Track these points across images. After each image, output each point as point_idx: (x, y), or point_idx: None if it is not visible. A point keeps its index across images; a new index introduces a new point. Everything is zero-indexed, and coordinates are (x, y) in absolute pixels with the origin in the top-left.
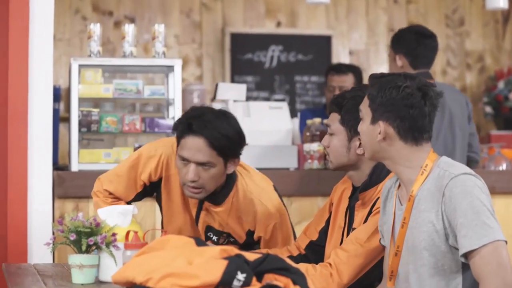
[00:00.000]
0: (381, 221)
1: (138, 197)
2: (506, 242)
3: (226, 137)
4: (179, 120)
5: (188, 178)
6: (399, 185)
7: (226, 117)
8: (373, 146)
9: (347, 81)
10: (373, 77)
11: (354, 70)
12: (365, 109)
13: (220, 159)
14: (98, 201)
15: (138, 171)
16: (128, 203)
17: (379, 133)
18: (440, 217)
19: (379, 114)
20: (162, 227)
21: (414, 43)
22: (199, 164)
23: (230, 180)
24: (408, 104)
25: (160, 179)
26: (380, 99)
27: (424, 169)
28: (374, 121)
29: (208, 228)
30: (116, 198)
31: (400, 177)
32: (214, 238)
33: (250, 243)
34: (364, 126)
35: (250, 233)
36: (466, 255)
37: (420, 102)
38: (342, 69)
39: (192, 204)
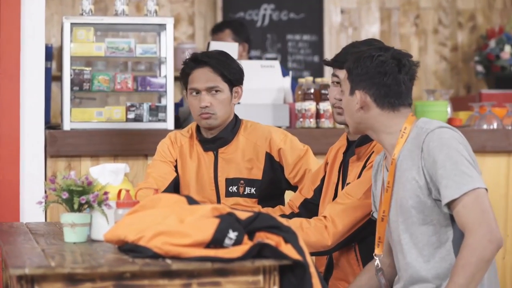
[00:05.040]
0: (373, 196)
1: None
2: (486, 190)
3: (227, 63)
4: (184, 63)
5: (202, 105)
6: (386, 156)
7: (224, 52)
8: (353, 117)
9: (224, 38)
10: (349, 52)
11: (230, 25)
12: (344, 82)
13: (225, 85)
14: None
15: (163, 156)
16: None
17: (357, 103)
18: (421, 173)
19: (355, 84)
20: None
21: None
22: (209, 90)
23: (237, 121)
24: (381, 72)
25: (176, 165)
26: (356, 70)
27: (404, 132)
28: (352, 92)
29: (228, 182)
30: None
31: (383, 144)
32: (234, 189)
33: (270, 192)
34: (344, 99)
35: (269, 159)
36: (449, 206)
37: (394, 69)
38: (218, 27)
39: (208, 160)
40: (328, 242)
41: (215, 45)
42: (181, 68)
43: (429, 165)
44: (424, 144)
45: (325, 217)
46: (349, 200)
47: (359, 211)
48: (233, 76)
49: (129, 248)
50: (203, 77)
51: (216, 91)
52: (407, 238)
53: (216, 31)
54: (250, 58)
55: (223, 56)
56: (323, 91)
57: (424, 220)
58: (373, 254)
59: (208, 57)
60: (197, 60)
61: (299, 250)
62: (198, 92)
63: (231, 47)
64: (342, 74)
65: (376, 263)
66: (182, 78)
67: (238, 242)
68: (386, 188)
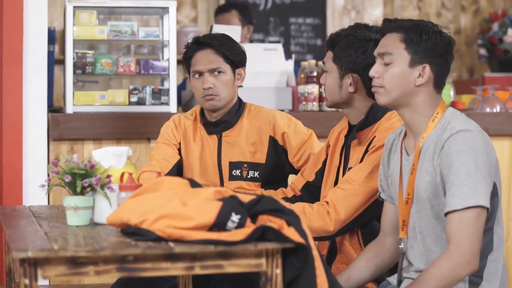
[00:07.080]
0: (382, 175)
1: (176, 166)
2: (488, 209)
3: (230, 44)
4: (186, 46)
5: (205, 86)
6: (404, 136)
7: (226, 35)
8: (405, 89)
9: (231, 18)
10: (397, 20)
11: (236, 6)
12: (399, 52)
13: (228, 66)
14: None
15: (166, 139)
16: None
17: (419, 76)
18: (438, 169)
19: (421, 58)
20: None
21: None
22: (211, 71)
23: (241, 104)
24: (449, 51)
25: (179, 148)
26: (423, 43)
27: (436, 116)
28: (414, 64)
29: (231, 166)
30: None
31: (412, 125)
32: (238, 172)
33: (273, 176)
34: (397, 69)
35: (273, 143)
36: (446, 212)
37: (453, 50)
38: (224, 8)
39: (212, 144)
40: (330, 228)
41: (218, 28)
42: (184, 52)
43: (444, 166)
44: (446, 143)
45: (327, 202)
46: (351, 186)
47: (361, 196)
48: (235, 57)
49: (132, 231)
50: (205, 58)
51: (219, 72)
52: (421, 228)
53: (222, 11)
54: (251, 41)
55: (225, 38)
56: None
57: (438, 214)
58: (398, 238)
59: (210, 39)
60: (199, 42)
61: (302, 233)
62: (201, 74)
63: (234, 30)
64: (327, 59)
65: (400, 247)
66: (185, 61)
67: (240, 225)
68: (411, 170)
